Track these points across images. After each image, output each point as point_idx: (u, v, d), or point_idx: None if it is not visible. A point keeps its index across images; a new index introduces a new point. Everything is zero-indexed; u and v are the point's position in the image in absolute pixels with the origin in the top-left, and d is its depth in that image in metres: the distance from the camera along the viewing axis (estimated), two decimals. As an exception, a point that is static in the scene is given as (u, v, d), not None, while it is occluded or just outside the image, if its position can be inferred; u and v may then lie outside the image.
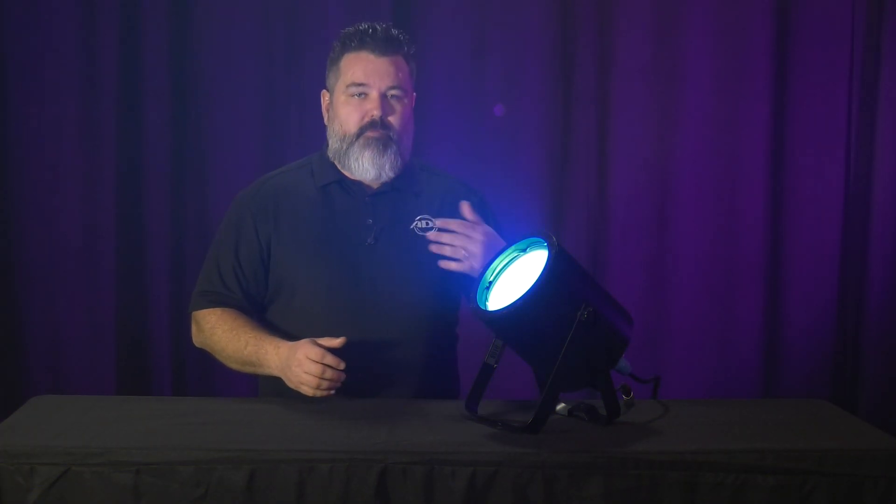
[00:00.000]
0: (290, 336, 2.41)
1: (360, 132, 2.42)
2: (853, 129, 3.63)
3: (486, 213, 2.52)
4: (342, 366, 2.19)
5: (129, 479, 1.83)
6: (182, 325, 3.52)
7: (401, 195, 2.48)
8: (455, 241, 2.33)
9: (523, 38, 3.61)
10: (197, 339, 2.51)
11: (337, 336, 2.34)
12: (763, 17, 3.58)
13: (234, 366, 2.42)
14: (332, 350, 2.23)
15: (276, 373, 2.30)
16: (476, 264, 2.30)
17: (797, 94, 3.62)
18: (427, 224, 2.47)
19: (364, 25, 2.45)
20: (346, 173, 2.47)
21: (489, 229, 2.36)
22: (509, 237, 2.24)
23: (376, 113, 2.41)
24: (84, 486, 1.83)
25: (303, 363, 2.20)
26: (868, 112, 3.62)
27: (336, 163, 2.48)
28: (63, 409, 2.17)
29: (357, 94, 2.42)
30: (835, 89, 3.62)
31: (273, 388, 2.38)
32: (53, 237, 3.55)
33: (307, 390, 2.22)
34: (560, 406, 2.15)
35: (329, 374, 2.19)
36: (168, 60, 3.54)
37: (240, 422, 2.08)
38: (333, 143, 2.47)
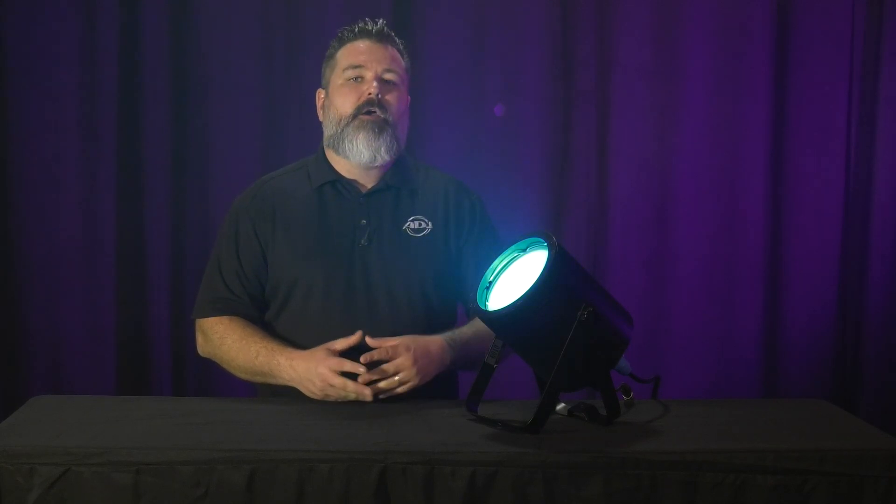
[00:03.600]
0: (288, 339, 2.42)
1: (356, 113, 2.42)
2: (853, 129, 3.63)
3: (476, 216, 2.52)
4: (361, 369, 2.20)
5: (129, 479, 1.84)
6: (182, 326, 3.52)
7: (397, 193, 2.48)
8: (389, 379, 2.24)
9: (523, 38, 3.61)
10: (203, 349, 2.50)
11: (332, 335, 2.34)
12: (763, 17, 3.58)
13: (243, 376, 2.41)
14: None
15: (290, 384, 2.30)
16: (419, 381, 2.25)
17: (797, 94, 3.62)
18: (420, 225, 2.47)
19: (361, 22, 2.49)
20: (341, 168, 2.47)
21: (407, 342, 2.26)
22: (507, 237, 2.24)
23: (373, 91, 2.41)
24: (84, 486, 1.83)
25: (327, 377, 2.21)
26: (868, 112, 3.62)
27: (331, 150, 2.48)
28: (63, 409, 2.17)
29: (353, 78, 2.43)
30: (835, 89, 3.62)
31: (272, 389, 2.38)
32: (53, 237, 3.55)
33: (332, 399, 2.23)
34: (560, 406, 2.15)
35: (352, 386, 2.20)
36: (168, 60, 3.54)
37: (240, 422, 2.08)
38: (329, 131, 2.47)
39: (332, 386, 2.21)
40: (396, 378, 2.22)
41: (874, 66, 3.60)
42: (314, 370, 2.23)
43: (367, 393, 2.21)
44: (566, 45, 3.62)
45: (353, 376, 2.22)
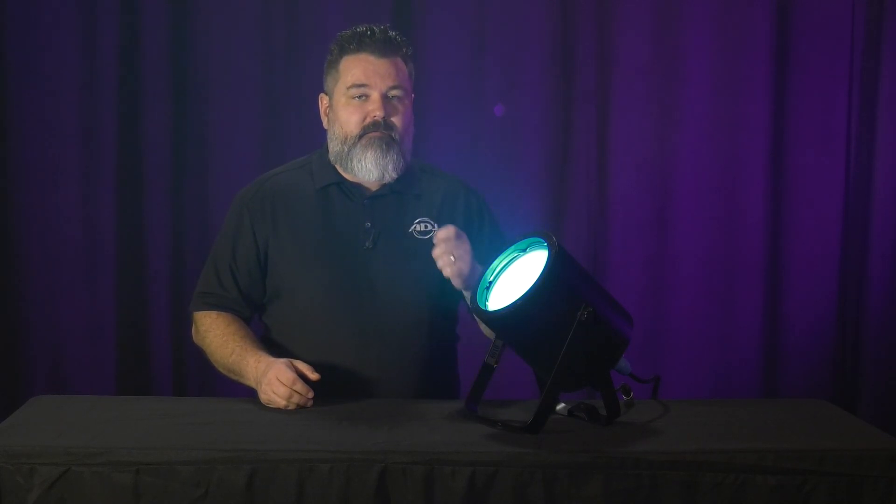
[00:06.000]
0: (290, 339, 2.43)
1: (363, 133, 2.40)
2: (853, 129, 3.63)
3: (483, 214, 2.52)
4: (311, 394, 2.19)
5: (129, 479, 1.84)
6: (182, 325, 3.52)
7: (400, 197, 2.47)
8: (444, 248, 2.26)
9: (523, 38, 3.61)
10: (195, 339, 2.52)
11: (336, 338, 2.37)
12: (763, 17, 3.59)
13: (222, 371, 2.42)
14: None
15: (252, 385, 2.29)
16: (465, 267, 2.24)
17: (797, 94, 3.62)
18: (426, 227, 2.46)
19: (362, 27, 2.44)
20: (347, 176, 2.47)
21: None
22: (509, 237, 2.24)
23: (379, 114, 2.39)
24: (84, 486, 1.83)
25: (272, 383, 2.20)
26: (868, 112, 3.62)
27: (337, 165, 2.47)
28: (63, 409, 2.17)
29: (358, 96, 2.41)
30: (835, 89, 3.62)
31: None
32: (53, 237, 3.55)
33: (274, 407, 2.21)
34: (560, 406, 2.15)
35: (296, 398, 2.18)
36: (168, 60, 3.54)
37: (240, 422, 2.09)
38: (335, 147, 2.45)
39: (275, 394, 2.19)
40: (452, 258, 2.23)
41: (874, 66, 3.60)
42: (267, 372, 2.22)
43: (308, 403, 2.19)
44: (566, 45, 3.62)
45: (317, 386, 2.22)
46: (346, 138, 2.42)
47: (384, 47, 2.42)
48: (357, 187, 2.46)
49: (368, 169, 2.41)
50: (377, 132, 2.40)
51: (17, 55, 3.50)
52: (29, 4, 3.49)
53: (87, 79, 3.53)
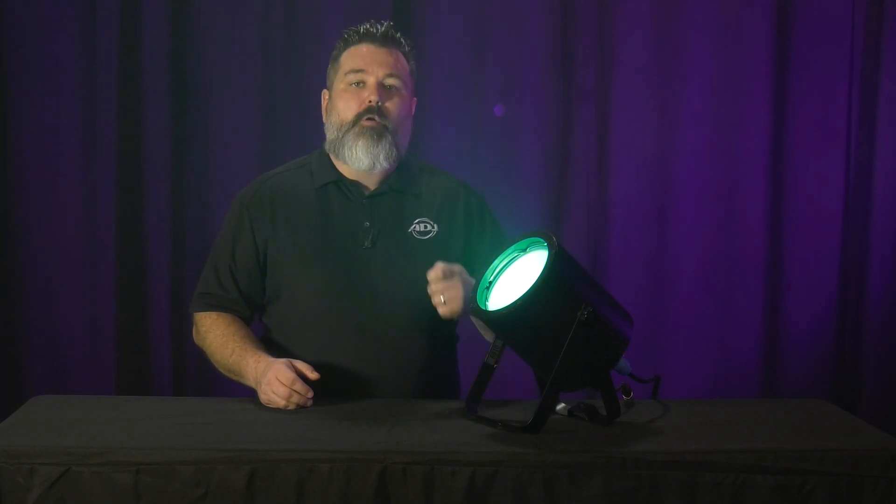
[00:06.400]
0: (290, 339, 2.43)
1: (356, 120, 2.41)
2: (853, 129, 3.63)
3: (484, 216, 2.52)
4: (311, 394, 2.19)
5: (129, 479, 1.84)
6: (182, 325, 3.53)
7: (399, 196, 2.48)
8: (434, 288, 2.28)
9: (523, 38, 3.61)
10: (195, 339, 2.53)
11: (336, 338, 2.37)
12: (763, 17, 3.58)
13: (222, 371, 2.43)
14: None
15: (252, 385, 2.30)
16: (456, 307, 2.27)
17: (797, 94, 3.62)
18: (425, 227, 2.46)
19: (367, 24, 2.47)
20: (343, 170, 2.47)
21: (465, 276, 2.30)
22: (509, 237, 2.24)
23: (373, 98, 2.40)
24: (84, 486, 1.83)
25: (272, 383, 2.20)
26: (868, 112, 3.62)
27: (332, 154, 2.48)
28: (63, 409, 2.17)
29: (355, 83, 2.42)
30: (835, 89, 3.62)
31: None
32: (53, 237, 3.55)
33: (274, 407, 2.22)
34: (560, 406, 2.15)
35: (296, 398, 2.19)
36: (168, 61, 3.54)
37: (240, 422, 2.09)
38: (330, 135, 2.47)
39: (275, 394, 2.20)
40: (442, 299, 2.25)
41: (874, 65, 3.60)
42: (266, 372, 2.23)
43: (308, 403, 2.19)
44: (566, 45, 3.62)
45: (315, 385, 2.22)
46: (340, 125, 2.43)
47: (385, 39, 2.45)
48: (356, 185, 2.46)
49: (359, 157, 2.41)
50: (371, 121, 2.40)
51: (17, 55, 3.50)
52: (29, 5, 3.49)
53: (87, 79, 3.53)
